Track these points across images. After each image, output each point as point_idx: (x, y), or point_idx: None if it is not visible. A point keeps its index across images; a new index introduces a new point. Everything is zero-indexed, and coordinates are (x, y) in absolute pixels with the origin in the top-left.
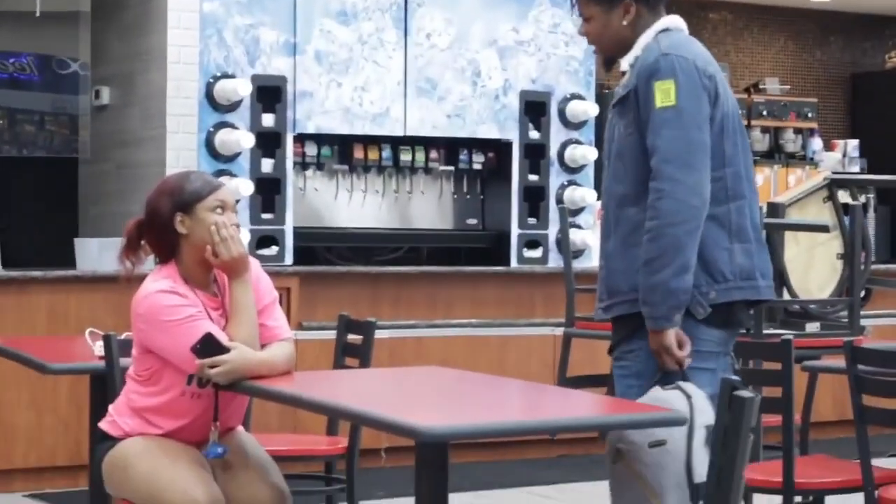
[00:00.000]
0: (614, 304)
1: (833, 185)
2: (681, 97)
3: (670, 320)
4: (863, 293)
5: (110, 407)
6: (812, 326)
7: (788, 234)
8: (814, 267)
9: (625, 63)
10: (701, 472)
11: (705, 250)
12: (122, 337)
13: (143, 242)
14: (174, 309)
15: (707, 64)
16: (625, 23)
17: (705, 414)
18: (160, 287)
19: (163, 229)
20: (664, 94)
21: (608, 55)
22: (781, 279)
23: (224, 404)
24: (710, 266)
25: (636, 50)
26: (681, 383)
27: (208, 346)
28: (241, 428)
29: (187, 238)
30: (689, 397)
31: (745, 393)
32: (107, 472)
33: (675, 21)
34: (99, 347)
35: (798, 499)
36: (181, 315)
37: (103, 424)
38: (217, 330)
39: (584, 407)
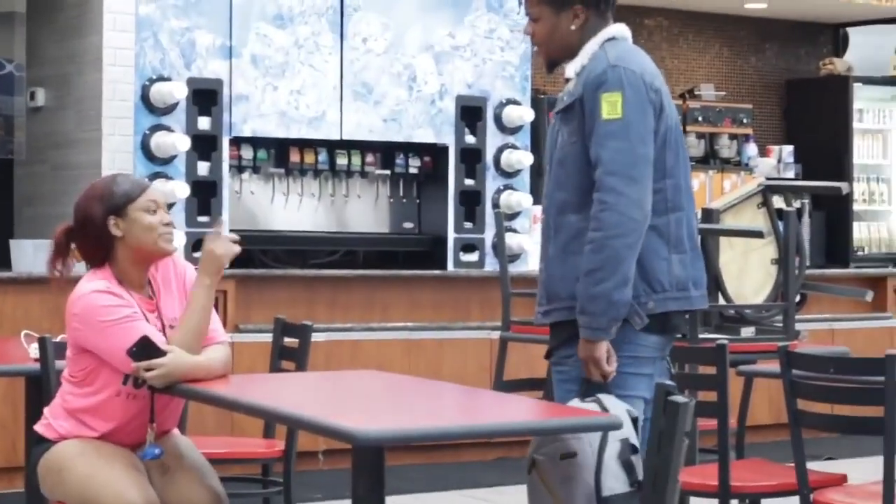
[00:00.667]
0: (553, 310)
1: (767, 191)
2: (627, 110)
3: (607, 332)
4: (798, 298)
5: (45, 410)
6: (747, 331)
7: (723, 240)
8: (748, 272)
9: (570, 70)
10: (611, 486)
11: (645, 260)
12: (58, 339)
13: (72, 248)
14: (110, 309)
15: (654, 77)
16: (573, 27)
17: (625, 428)
18: (96, 287)
19: (97, 234)
20: (611, 106)
21: (552, 58)
22: (717, 284)
23: (160, 406)
24: (648, 275)
25: (582, 58)
26: (600, 396)
27: (144, 349)
28: (176, 430)
29: (122, 240)
30: (606, 410)
31: (680, 398)
32: (42, 475)
33: (621, 30)
34: (34, 350)
35: (734, 502)
36: (117, 315)
37: (38, 427)
38: (154, 332)
39: (520, 411)
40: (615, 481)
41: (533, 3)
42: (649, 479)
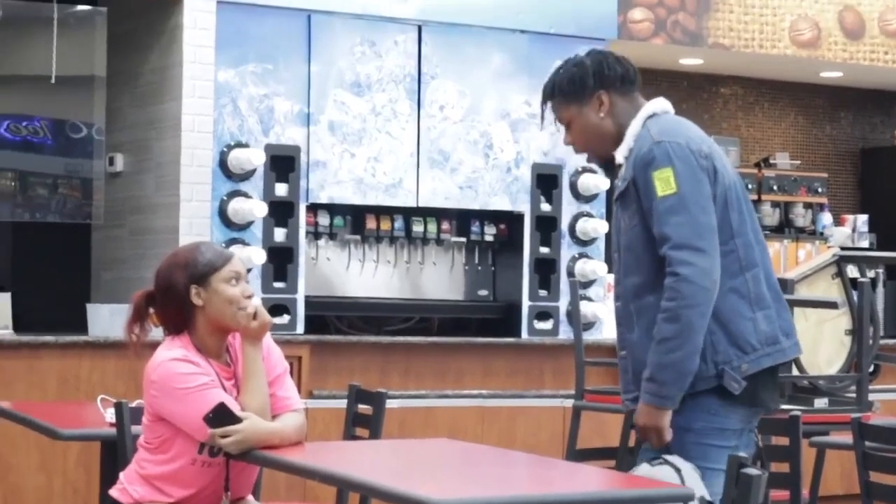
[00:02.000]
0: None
1: (842, 262)
2: (681, 183)
3: (673, 401)
4: (872, 368)
5: (121, 474)
6: (820, 402)
7: (797, 310)
8: (822, 343)
9: (619, 156)
10: None
11: (731, 324)
12: (134, 405)
13: (150, 312)
14: (187, 377)
15: (701, 143)
16: (601, 114)
17: (696, 486)
18: (174, 355)
19: (178, 302)
20: (664, 182)
21: (601, 155)
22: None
23: (235, 474)
24: (737, 339)
25: (628, 141)
26: (667, 457)
27: (221, 416)
28: (251, 497)
29: (203, 309)
30: (678, 471)
31: (753, 470)
32: None
33: (660, 104)
34: (110, 414)
35: None
36: (194, 383)
37: (114, 492)
38: (230, 399)
39: (592, 482)
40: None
41: (559, 109)
42: None
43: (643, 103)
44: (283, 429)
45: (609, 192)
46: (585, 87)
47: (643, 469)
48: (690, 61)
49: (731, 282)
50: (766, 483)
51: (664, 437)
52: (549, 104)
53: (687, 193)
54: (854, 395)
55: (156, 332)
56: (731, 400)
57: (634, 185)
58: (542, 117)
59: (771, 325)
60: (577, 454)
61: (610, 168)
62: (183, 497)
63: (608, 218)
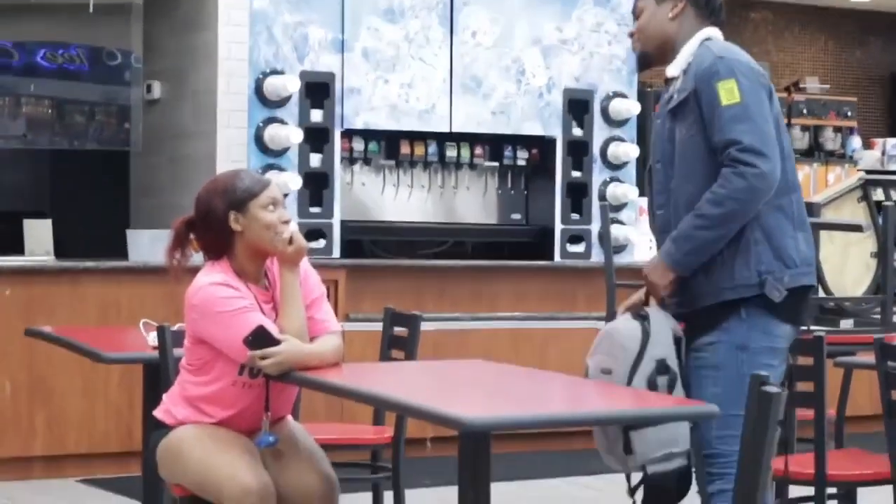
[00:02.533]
0: (701, 295)
1: (867, 185)
2: (745, 94)
3: (685, 268)
4: None
5: (164, 396)
6: (846, 323)
7: (823, 233)
8: (848, 265)
9: (674, 69)
10: None
11: (775, 238)
12: (175, 328)
13: (191, 238)
14: (227, 301)
15: (758, 68)
16: (670, 16)
17: (659, 347)
18: (214, 280)
19: (217, 228)
20: (728, 92)
21: (645, 50)
22: (817, 276)
23: (275, 395)
24: (781, 252)
25: (685, 55)
26: (649, 313)
27: (260, 338)
28: (290, 417)
29: (242, 235)
30: (647, 333)
31: (773, 388)
32: (161, 459)
33: (716, 33)
34: (153, 338)
35: (830, 490)
36: (234, 307)
37: (157, 413)
38: (269, 322)
39: (623, 400)
40: None
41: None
42: (743, 467)
43: (703, 27)
44: (322, 350)
45: (640, 116)
46: None
47: (617, 321)
48: None
49: (779, 200)
50: (784, 401)
51: (661, 294)
52: None
53: (751, 104)
54: (879, 316)
55: (196, 258)
56: (781, 318)
57: (696, 97)
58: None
59: (809, 248)
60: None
61: (643, 66)
62: (224, 417)
63: (639, 142)
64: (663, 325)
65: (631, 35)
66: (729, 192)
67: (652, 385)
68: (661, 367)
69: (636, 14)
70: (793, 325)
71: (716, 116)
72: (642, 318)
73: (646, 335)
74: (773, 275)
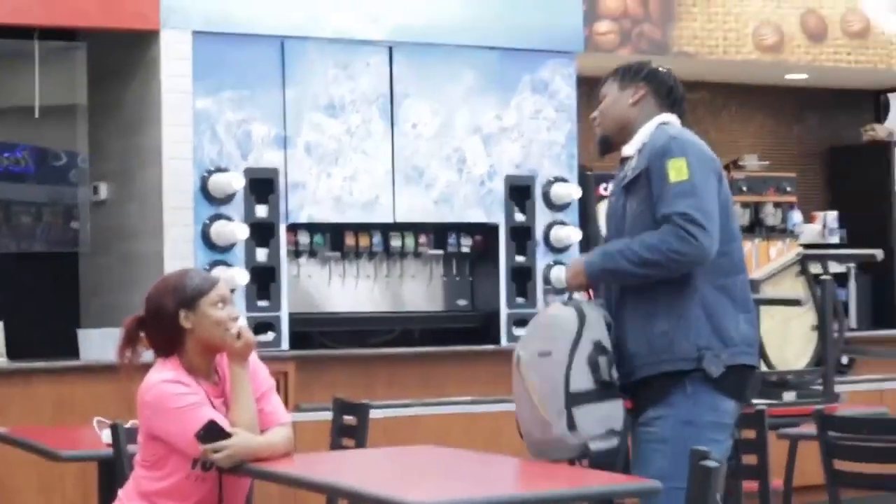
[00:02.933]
0: (642, 366)
1: (805, 260)
2: (693, 173)
3: (599, 280)
4: (846, 360)
5: (120, 491)
6: (789, 395)
7: (764, 309)
8: (790, 339)
9: (629, 149)
10: (577, 382)
11: (715, 316)
12: (129, 425)
13: (141, 336)
14: (179, 397)
15: (710, 153)
16: (631, 101)
17: (594, 330)
18: (165, 377)
19: (168, 326)
20: (677, 170)
21: (606, 133)
22: (759, 351)
23: (228, 486)
24: (721, 331)
25: (641, 136)
26: (580, 300)
27: (211, 432)
28: None
29: (192, 332)
30: (582, 316)
31: (711, 463)
32: None
33: (674, 119)
34: (107, 435)
35: None
36: (185, 402)
37: None
38: (220, 417)
39: (571, 479)
40: (582, 379)
41: (606, 84)
42: None
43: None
44: (272, 441)
45: (581, 200)
46: (636, 74)
47: (551, 308)
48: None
49: (723, 280)
50: (724, 475)
51: (570, 286)
52: (606, 80)
53: (698, 182)
54: (821, 387)
55: (147, 355)
56: (725, 393)
57: (647, 174)
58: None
59: (751, 329)
60: None
61: (605, 150)
62: None
63: (581, 226)
64: (595, 311)
65: (594, 119)
66: (664, 247)
67: (593, 364)
68: (599, 347)
69: (600, 99)
70: (737, 401)
71: (663, 191)
72: (575, 305)
73: (581, 318)
74: (712, 351)
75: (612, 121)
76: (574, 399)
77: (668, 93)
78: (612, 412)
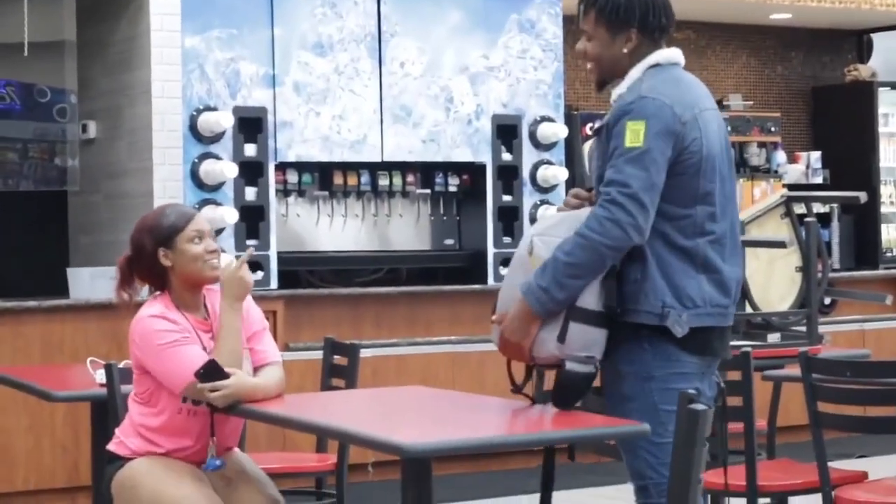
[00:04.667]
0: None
1: (790, 202)
2: (648, 139)
3: (545, 315)
4: (828, 301)
5: (117, 429)
6: (773, 337)
7: (749, 250)
8: (774, 280)
9: (614, 94)
10: (586, 299)
11: (674, 277)
12: (122, 365)
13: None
14: (163, 333)
15: (686, 109)
16: (625, 50)
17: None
18: (151, 312)
19: (150, 264)
20: (634, 134)
21: (602, 77)
22: (743, 293)
23: (220, 423)
24: (679, 292)
25: (625, 83)
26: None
27: (210, 371)
28: (237, 449)
29: (173, 269)
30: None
31: (700, 406)
32: (116, 492)
33: (669, 55)
34: (100, 376)
35: (763, 501)
36: (169, 339)
37: (111, 446)
38: (202, 352)
39: (563, 422)
40: (591, 297)
41: (589, 21)
42: (673, 483)
43: (654, 51)
44: (266, 383)
45: (567, 140)
46: (625, 22)
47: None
48: None
49: (684, 242)
50: (711, 417)
51: (525, 347)
52: (583, 8)
53: (650, 150)
54: (805, 329)
55: (145, 292)
56: (685, 349)
57: (608, 129)
58: (578, 17)
59: (717, 289)
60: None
61: (601, 87)
62: (173, 448)
63: (568, 165)
64: (538, 239)
65: (584, 59)
66: (602, 238)
67: (608, 288)
68: (613, 272)
69: (584, 36)
70: (700, 355)
71: (615, 154)
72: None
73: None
74: (674, 310)
75: (607, 68)
76: (575, 313)
77: (659, 29)
78: (598, 340)
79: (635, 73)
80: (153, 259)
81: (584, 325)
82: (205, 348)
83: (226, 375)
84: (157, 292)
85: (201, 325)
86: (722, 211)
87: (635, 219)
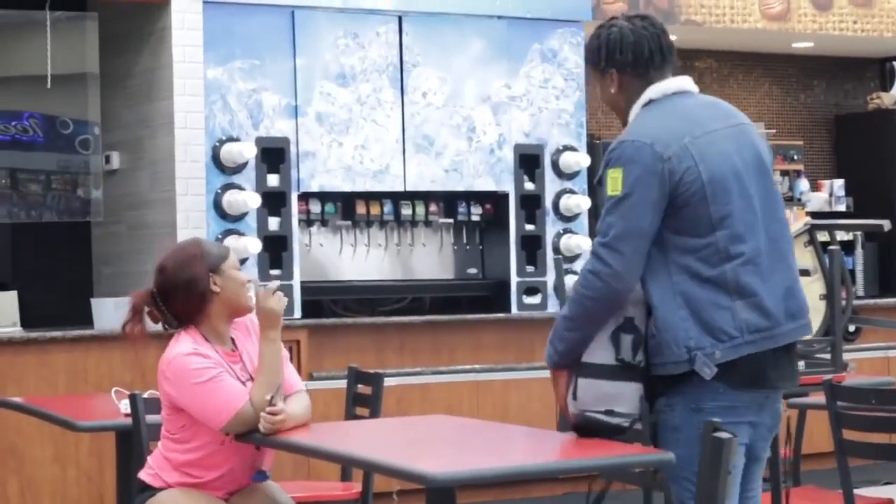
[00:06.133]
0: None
1: (813, 230)
2: (627, 185)
3: (559, 366)
4: (852, 329)
5: (149, 459)
6: (798, 365)
7: None
8: None
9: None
10: (592, 354)
11: (703, 313)
12: (146, 395)
13: (146, 310)
14: (198, 372)
15: (670, 142)
16: (613, 90)
17: (631, 307)
18: (183, 350)
19: (198, 292)
20: (613, 181)
21: (621, 119)
22: None
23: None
24: (711, 327)
25: (630, 124)
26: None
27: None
28: (270, 482)
29: (219, 296)
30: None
31: (724, 434)
32: None
33: (664, 87)
34: (125, 405)
35: None
36: (205, 377)
37: (144, 476)
38: (239, 385)
39: (582, 450)
40: (599, 352)
41: (588, 67)
42: None
43: (656, 81)
44: (294, 412)
45: (590, 169)
46: (599, 60)
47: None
48: None
49: (709, 272)
50: (735, 446)
51: (560, 397)
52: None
53: (629, 196)
54: (829, 356)
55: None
56: (731, 383)
57: (600, 178)
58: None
59: (756, 313)
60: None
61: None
62: (213, 478)
63: (590, 194)
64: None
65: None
66: (586, 292)
67: (615, 340)
68: (629, 325)
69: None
70: (748, 389)
71: (602, 202)
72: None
73: None
74: (703, 350)
75: (616, 111)
76: (581, 369)
77: (635, 63)
78: (621, 393)
79: (632, 114)
80: (203, 286)
81: (594, 379)
82: (238, 379)
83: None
84: (179, 328)
85: (230, 356)
86: (749, 229)
87: (612, 268)
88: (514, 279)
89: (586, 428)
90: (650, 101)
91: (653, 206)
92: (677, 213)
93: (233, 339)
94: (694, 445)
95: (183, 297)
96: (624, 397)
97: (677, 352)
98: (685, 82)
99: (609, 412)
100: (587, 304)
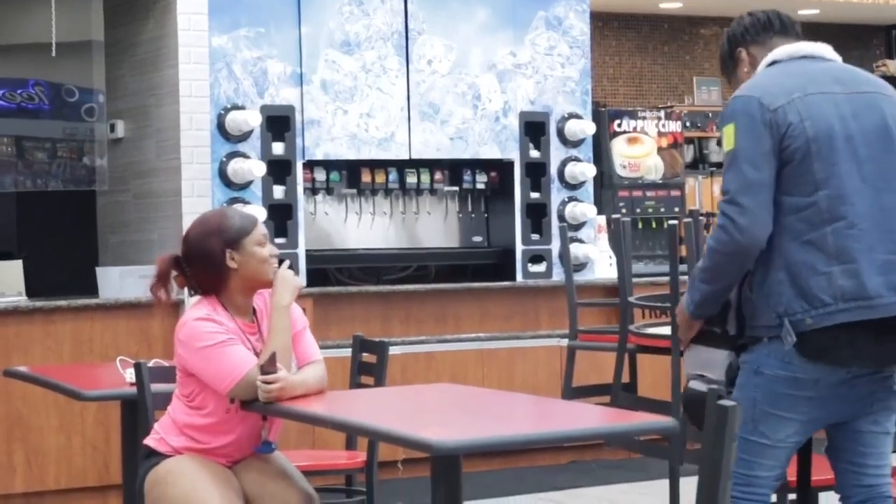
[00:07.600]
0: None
1: None
2: (739, 138)
3: (704, 314)
4: None
5: (156, 425)
6: None
7: None
8: None
9: None
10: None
11: (800, 277)
12: (151, 364)
13: (174, 275)
14: (208, 335)
15: (778, 96)
16: (746, 69)
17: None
18: (197, 315)
19: (213, 266)
20: (728, 138)
21: None
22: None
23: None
24: (805, 292)
25: None
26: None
27: (269, 365)
28: (277, 452)
29: (237, 272)
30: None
31: (728, 402)
32: (149, 486)
33: (789, 50)
34: (130, 374)
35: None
36: (214, 341)
37: (150, 441)
38: (249, 354)
39: (587, 418)
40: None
41: (723, 73)
42: (702, 478)
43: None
44: (306, 380)
45: (595, 136)
46: (730, 53)
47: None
48: (670, 5)
49: (810, 234)
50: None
51: (684, 337)
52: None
53: (741, 149)
54: None
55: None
56: (803, 353)
57: None
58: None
59: (854, 280)
60: (574, 392)
61: None
62: (219, 445)
63: (595, 162)
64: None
65: None
66: (716, 246)
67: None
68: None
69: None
70: (816, 361)
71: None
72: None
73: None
74: (794, 317)
75: None
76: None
77: (753, 29)
78: (712, 360)
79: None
80: (220, 261)
81: (700, 345)
82: (253, 349)
83: (276, 370)
84: (201, 295)
85: (248, 327)
86: (856, 193)
87: (735, 222)
88: (520, 247)
89: (684, 401)
90: (774, 62)
91: (765, 156)
92: (783, 169)
93: (255, 310)
94: (745, 406)
95: (201, 268)
96: (714, 364)
97: (768, 316)
98: (818, 48)
99: (702, 377)
100: (716, 257)
